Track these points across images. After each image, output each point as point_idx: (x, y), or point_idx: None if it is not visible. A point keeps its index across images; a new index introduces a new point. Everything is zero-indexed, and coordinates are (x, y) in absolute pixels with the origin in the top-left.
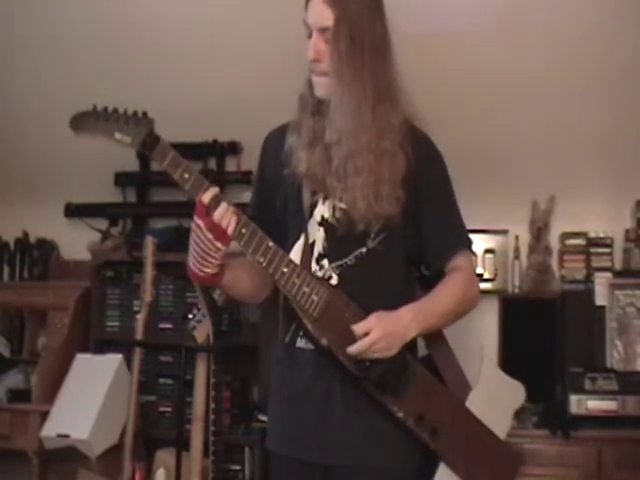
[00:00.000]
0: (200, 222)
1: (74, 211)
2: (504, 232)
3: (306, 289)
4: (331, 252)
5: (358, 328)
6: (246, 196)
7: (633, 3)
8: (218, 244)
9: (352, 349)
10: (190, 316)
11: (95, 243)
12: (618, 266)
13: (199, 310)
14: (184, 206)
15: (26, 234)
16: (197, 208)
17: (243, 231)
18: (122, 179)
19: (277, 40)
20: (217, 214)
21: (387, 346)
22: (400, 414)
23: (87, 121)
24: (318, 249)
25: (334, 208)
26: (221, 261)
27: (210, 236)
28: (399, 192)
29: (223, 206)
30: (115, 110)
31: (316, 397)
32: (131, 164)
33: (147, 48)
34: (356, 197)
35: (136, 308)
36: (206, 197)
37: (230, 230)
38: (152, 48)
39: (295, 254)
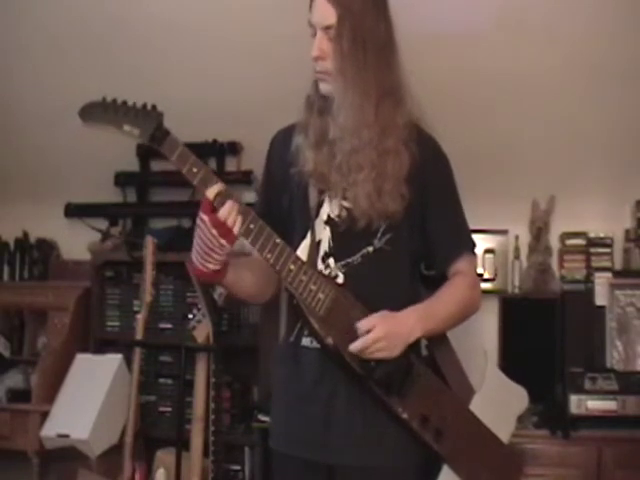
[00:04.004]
0: (205, 217)
1: (74, 211)
2: (504, 232)
3: (313, 287)
4: (337, 251)
5: (361, 324)
6: (247, 196)
7: (633, 3)
8: (223, 241)
9: (354, 345)
10: (190, 316)
11: (95, 243)
12: (618, 266)
13: (199, 310)
14: (184, 206)
15: (26, 234)
16: (202, 203)
17: (251, 227)
18: (122, 179)
19: (277, 40)
20: (222, 212)
21: (389, 346)
22: (405, 415)
23: (96, 111)
24: (324, 248)
25: (340, 207)
26: (225, 258)
27: (215, 232)
28: (403, 189)
29: (229, 204)
30: (124, 102)
31: (320, 397)
32: (131, 164)
33: (147, 48)
34: (358, 193)
35: (136, 308)
36: (211, 192)
37: (236, 229)
38: (152, 48)
39: (301, 253)
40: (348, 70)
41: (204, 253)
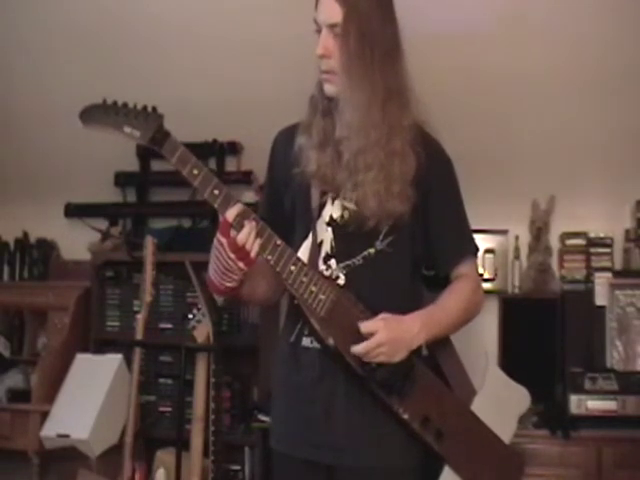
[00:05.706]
0: (223, 240)
1: (74, 211)
2: (504, 232)
3: (313, 288)
4: (339, 252)
5: (364, 326)
6: (246, 196)
7: (633, 3)
8: (240, 264)
9: (357, 348)
10: (190, 316)
11: (95, 243)
12: (618, 266)
13: (199, 310)
14: (184, 206)
15: (26, 234)
16: (221, 225)
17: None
18: (122, 179)
19: (278, 40)
20: (241, 237)
21: (391, 351)
22: (405, 416)
23: (97, 114)
24: (326, 249)
25: (343, 208)
26: (242, 277)
27: (233, 256)
28: (409, 191)
29: (247, 227)
30: (125, 104)
31: (320, 397)
32: (131, 164)
33: (147, 48)
34: (367, 193)
35: (136, 308)
36: (230, 214)
37: (253, 254)
38: (152, 48)
39: (303, 254)
40: (354, 68)
41: (222, 273)
